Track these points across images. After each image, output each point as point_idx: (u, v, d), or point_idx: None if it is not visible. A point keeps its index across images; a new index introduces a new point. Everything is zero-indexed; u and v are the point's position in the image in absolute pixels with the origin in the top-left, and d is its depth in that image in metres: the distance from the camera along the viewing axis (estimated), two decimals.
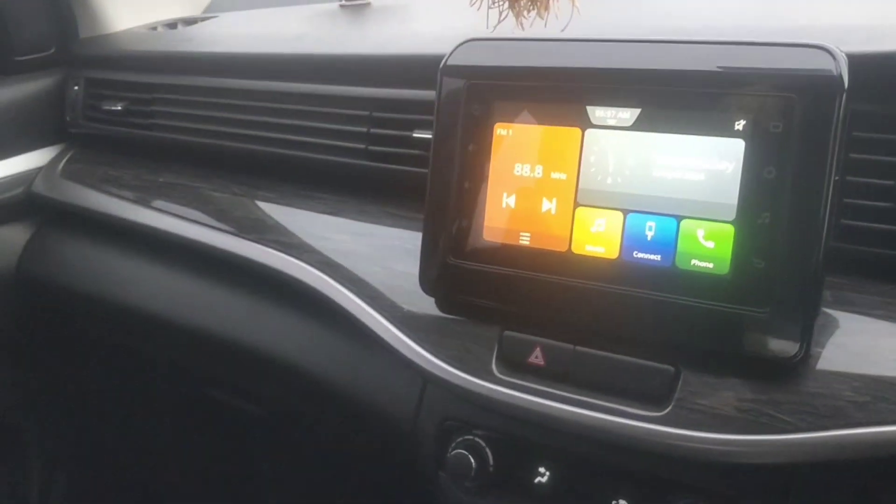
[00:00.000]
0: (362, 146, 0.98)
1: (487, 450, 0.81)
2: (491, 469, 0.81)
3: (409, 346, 0.81)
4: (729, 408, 0.65)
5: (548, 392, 0.73)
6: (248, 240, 1.01)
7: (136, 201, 1.19)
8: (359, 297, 0.87)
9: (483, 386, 0.76)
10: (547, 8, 0.53)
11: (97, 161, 1.32)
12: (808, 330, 0.63)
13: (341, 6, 1.28)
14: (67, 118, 1.36)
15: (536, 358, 0.74)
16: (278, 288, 0.97)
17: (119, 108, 1.27)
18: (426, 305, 0.82)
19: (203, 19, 1.41)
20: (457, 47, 0.78)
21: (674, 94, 0.68)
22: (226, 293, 1.09)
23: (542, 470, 0.79)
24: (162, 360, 1.35)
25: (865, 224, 0.67)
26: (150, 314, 1.17)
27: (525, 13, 0.54)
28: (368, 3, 1.28)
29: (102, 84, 1.32)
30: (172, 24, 1.39)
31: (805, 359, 0.64)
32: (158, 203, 1.17)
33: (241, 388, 1.25)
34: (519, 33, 0.77)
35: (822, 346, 0.65)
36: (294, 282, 0.94)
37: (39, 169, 1.35)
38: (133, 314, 1.20)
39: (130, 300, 1.20)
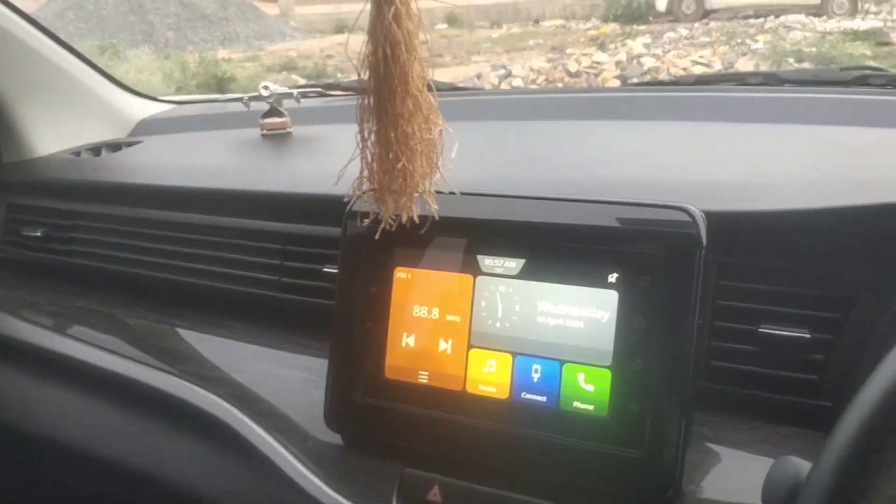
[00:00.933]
0: (275, 278, 1.02)
1: None
2: None
3: (314, 484, 0.82)
4: None
5: None
6: (161, 371, 1.03)
7: (52, 328, 1.19)
8: (267, 432, 0.89)
9: None
10: (409, 212, 0.60)
11: (15, 285, 1.32)
12: (681, 468, 0.68)
13: (263, 135, 1.33)
14: None
15: (434, 496, 0.77)
16: (190, 419, 0.98)
17: (39, 233, 1.29)
18: (333, 438, 0.84)
19: (128, 144, 1.44)
20: (360, 195, 0.83)
21: (553, 247, 0.74)
22: (138, 422, 1.09)
23: None
24: (78, 490, 1.33)
25: (732, 365, 0.73)
26: (64, 444, 1.16)
27: (391, 215, 0.61)
28: (289, 133, 1.33)
29: (24, 210, 1.33)
30: (97, 150, 1.42)
31: (678, 495, 0.68)
32: (74, 330, 1.18)
33: None
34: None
35: (696, 483, 0.69)
36: (205, 415, 0.95)
37: None
38: (47, 444, 1.18)
39: (44, 430, 1.19)
